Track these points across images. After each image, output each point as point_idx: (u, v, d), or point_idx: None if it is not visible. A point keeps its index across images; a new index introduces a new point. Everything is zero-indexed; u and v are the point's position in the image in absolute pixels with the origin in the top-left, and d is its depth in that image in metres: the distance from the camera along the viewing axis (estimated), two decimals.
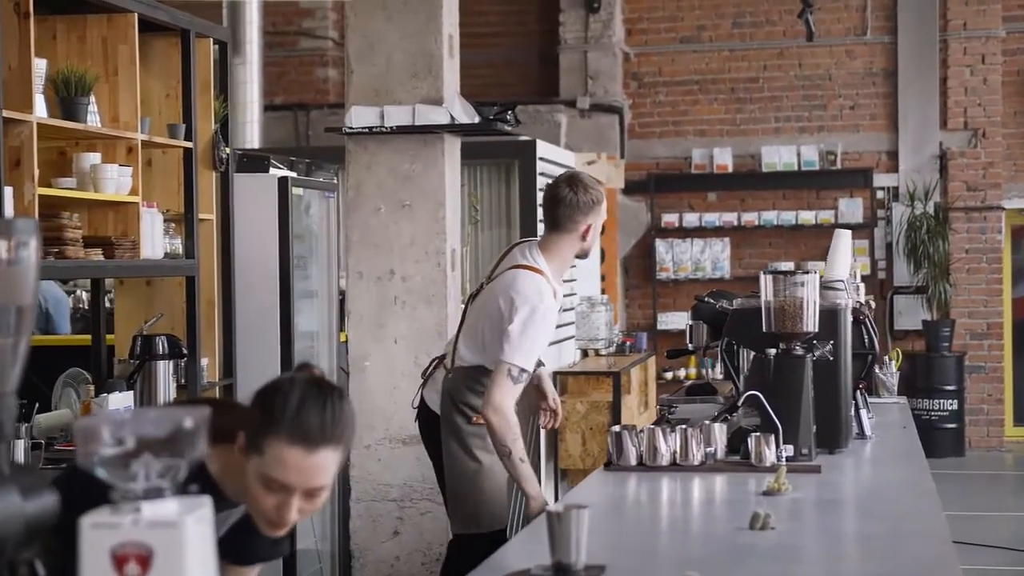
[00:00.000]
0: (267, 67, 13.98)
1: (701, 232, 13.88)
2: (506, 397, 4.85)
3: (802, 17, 10.60)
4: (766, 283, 4.91)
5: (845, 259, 6.18)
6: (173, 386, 5.87)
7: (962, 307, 13.54)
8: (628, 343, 11.46)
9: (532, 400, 5.58)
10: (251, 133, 10.95)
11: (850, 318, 5.17)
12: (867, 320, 5.55)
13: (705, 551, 3.47)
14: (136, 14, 5.59)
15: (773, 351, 4.84)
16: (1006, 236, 13.83)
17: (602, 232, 13.26)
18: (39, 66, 5.05)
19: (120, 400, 5.34)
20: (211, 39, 6.33)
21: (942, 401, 13.11)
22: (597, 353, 10.79)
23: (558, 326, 6.14)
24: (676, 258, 13.90)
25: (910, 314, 13.53)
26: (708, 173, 13.92)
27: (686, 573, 2.92)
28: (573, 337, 10.33)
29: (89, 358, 6.16)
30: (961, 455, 13.17)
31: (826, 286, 5.78)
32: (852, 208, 13.65)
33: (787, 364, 4.83)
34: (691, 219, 13.87)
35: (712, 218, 13.84)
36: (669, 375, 13.60)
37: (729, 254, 13.83)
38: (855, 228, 13.54)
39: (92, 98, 5.34)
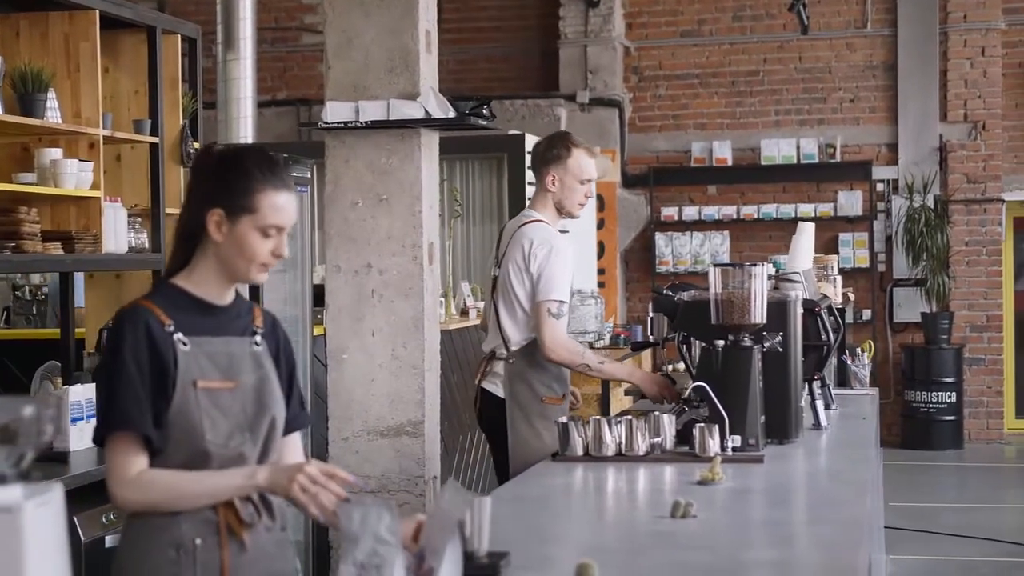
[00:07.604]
0: (270, 63, 14.07)
1: (701, 225, 13.90)
2: (555, 334, 5.40)
3: (793, 10, 10.61)
4: (714, 276, 4.96)
5: (807, 251, 6.23)
6: None
7: (962, 299, 13.54)
8: (623, 336, 11.50)
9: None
10: (244, 128, 10.89)
11: (800, 310, 5.20)
12: (822, 312, 5.57)
13: (616, 538, 3.52)
14: (97, 11, 5.64)
15: (721, 343, 4.89)
16: (1007, 228, 13.81)
17: (600, 227, 13.19)
18: None
19: (81, 392, 5.38)
20: (179, 35, 6.38)
21: (941, 393, 13.11)
22: (591, 346, 10.83)
23: None
24: (676, 251, 13.92)
25: (909, 306, 13.53)
26: (708, 167, 13.94)
27: (581, 560, 2.96)
28: None
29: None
30: (960, 447, 13.18)
31: (783, 278, 5.83)
32: (851, 201, 13.63)
33: (735, 355, 4.87)
34: (691, 212, 13.89)
35: (712, 211, 13.86)
36: (669, 368, 13.59)
37: (729, 247, 13.83)
38: (855, 221, 13.61)
39: (52, 94, 5.39)
